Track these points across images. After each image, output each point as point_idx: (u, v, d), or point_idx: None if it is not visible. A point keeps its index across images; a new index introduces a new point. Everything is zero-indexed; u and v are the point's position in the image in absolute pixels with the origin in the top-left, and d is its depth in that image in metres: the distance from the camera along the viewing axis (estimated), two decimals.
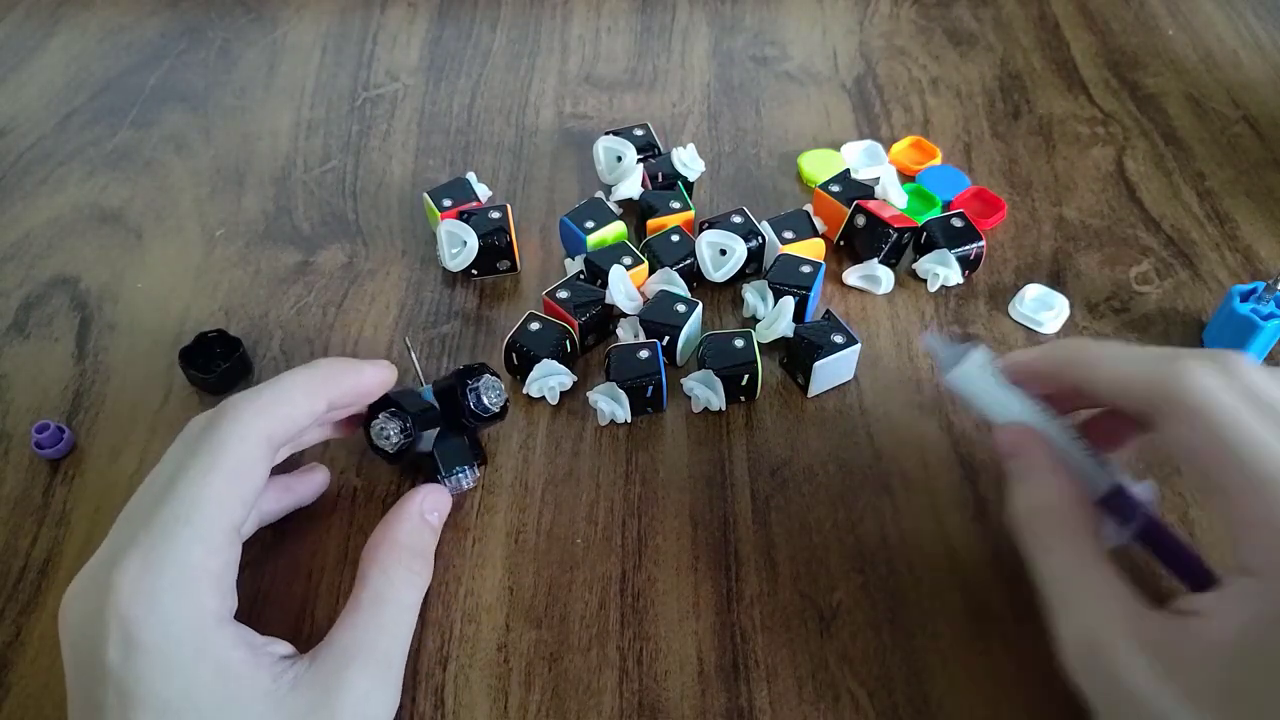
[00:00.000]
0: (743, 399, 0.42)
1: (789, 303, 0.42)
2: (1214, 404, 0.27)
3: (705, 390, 0.41)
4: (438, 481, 0.37)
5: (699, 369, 0.41)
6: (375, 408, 0.36)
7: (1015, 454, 0.33)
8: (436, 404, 0.37)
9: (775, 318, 0.43)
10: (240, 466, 0.31)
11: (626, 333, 0.43)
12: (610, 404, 0.40)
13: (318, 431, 0.38)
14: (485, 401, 0.37)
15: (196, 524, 0.29)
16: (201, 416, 0.32)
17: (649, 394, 0.40)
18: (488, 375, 0.38)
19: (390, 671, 0.31)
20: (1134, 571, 0.31)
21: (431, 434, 0.37)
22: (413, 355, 0.38)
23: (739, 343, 0.41)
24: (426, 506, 0.36)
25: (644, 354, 0.40)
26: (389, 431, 0.36)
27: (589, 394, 0.41)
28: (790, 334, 0.42)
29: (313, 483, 0.38)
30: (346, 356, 0.42)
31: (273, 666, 0.29)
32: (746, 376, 0.41)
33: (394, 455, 0.36)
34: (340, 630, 0.31)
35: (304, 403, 0.33)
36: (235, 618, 0.30)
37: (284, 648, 0.31)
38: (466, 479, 0.37)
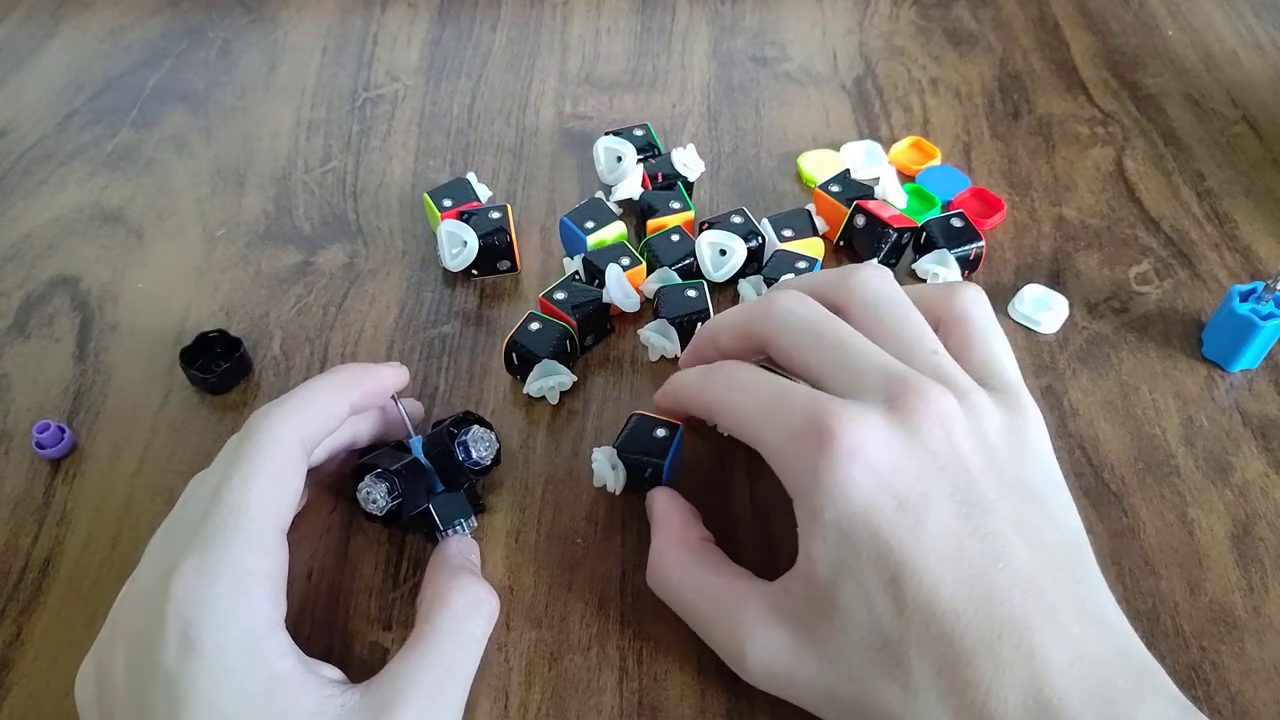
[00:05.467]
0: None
1: None
2: (783, 300, 0.34)
3: (660, 339, 0.42)
4: (436, 538, 0.36)
5: (653, 319, 0.43)
6: (359, 471, 0.36)
7: (651, 508, 0.37)
8: (425, 459, 0.36)
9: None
10: (279, 470, 0.31)
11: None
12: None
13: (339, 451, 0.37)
14: (475, 455, 0.37)
15: (245, 529, 0.30)
16: (235, 436, 0.33)
17: (648, 474, 0.38)
18: (476, 426, 0.37)
19: (445, 708, 0.31)
20: None
21: (419, 488, 0.36)
22: (402, 410, 0.38)
23: (692, 293, 0.43)
24: (464, 550, 0.36)
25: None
26: (375, 495, 0.35)
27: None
28: None
29: None
30: (362, 362, 0.41)
31: (320, 688, 0.29)
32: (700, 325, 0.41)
33: (386, 517, 0.35)
34: (395, 663, 0.31)
35: (329, 404, 0.34)
36: None
37: (333, 672, 0.31)
38: (463, 530, 0.36)
